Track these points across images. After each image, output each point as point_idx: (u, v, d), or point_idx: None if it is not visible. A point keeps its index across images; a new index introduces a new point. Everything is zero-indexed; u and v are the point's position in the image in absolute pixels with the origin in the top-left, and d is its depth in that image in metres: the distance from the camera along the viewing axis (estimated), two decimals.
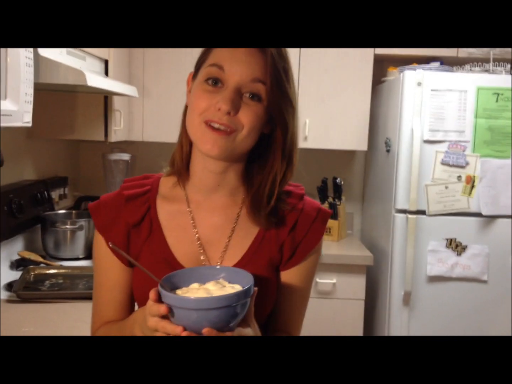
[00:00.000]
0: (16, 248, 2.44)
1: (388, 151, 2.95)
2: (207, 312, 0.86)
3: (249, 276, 0.94)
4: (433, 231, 2.77)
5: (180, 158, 1.10)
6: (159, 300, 0.89)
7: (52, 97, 2.63)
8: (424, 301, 2.80)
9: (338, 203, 3.20)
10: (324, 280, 2.94)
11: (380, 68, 3.29)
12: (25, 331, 1.65)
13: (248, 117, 1.00)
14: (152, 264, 1.06)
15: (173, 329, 0.87)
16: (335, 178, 3.20)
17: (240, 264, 1.07)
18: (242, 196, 1.10)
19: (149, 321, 0.90)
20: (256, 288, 0.93)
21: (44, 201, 2.65)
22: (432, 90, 2.68)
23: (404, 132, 2.74)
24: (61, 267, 2.30)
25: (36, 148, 2.78)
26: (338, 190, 3.21)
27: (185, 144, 1.09)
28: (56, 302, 1.91)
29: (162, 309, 0.87)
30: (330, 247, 3.07)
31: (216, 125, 0.99)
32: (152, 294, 0.89)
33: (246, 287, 0.89)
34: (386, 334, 2.86)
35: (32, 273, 2.18)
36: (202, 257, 1.07)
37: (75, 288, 2.06)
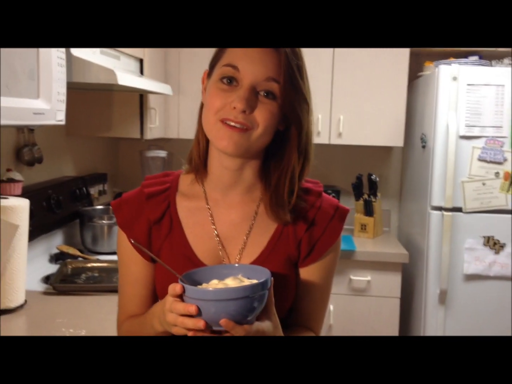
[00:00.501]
0: (55, 242, 2.52)
1: (423, 147, 2.91)
2: (225, 304, 0.87)
3: (267, 271, 0.96)
4: (470, 228, 2.71)
5: (198, 155, 1.12)
6: (181, 297, 0.91)
7: (89, 95, 2.70)
8: (461, 300, 2.75)
9: (373, 200, 3.17)
10: (358, 278, 2.92)
11: (417, 63, 3.24)
12: (59, 322, 1.71)
13: (263, 115, 1.01)
14: (173, 260, 1.09)
15: (195, 323, 0.89)
16: (370, 175, 3.18)
17: (258, 260, 1.08)
18: (259, 193, 1.12)
19: (168, 316, 0.92)
20: (272, 279, 0.94)
21: (83, 197, 2.73)
22: (468, 84, 2.63)
23: (440, 128, 2.70)
24: (98, 260, 2.37)
25: (75, 145, 2.86)
26: (373, 187, 3.18)
27: (202, 141, 1.11)
28: (90, 295, 1.98)
29: (190, 309, 0.88)
30: (365, 244, 3.05)
31: (232, 123, 1.00)
32: (171, 288, 0.92)
33: (263, 280, 0.91)
34: (422, 333, 2.83)
35: (70, 267, 2.26)
36: (221, 253, 1.09)
37: (109, 281, 2.12)
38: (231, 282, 0.94)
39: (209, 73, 1.08)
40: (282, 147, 1.08)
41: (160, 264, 1.09)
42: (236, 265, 1.04)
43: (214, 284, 0.96)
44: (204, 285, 0.96)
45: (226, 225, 1.11)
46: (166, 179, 1.16)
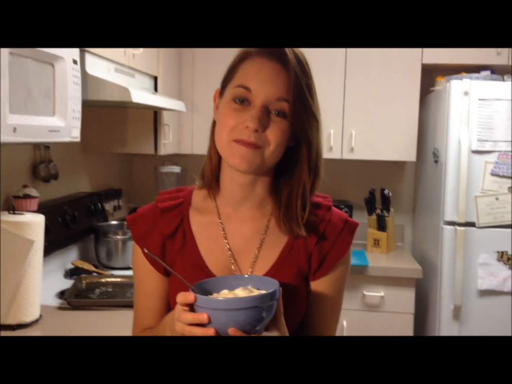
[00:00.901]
0: (70, 257, 2.56)
1: (436, 161, 2.91)
2: (235, 313, 0.89)
3: (275, 282, 0.97)
4: (483, 243, 2.70)
5: (210, 171, 1.14)
6: (189, 306, 0.93)
7: (104, 112, 2.75)
8: (475, 316, 2.73)
9: (386, 214, 3.17)
10: (371, 293, 2.91)
11: (429, 78, 3.25)
12: None
13: (274, 134, 1.04)
14: (186, 273, 1.10)
15: (205, 332, 0.90)
16: (383, 190, 3.18)
17: (270, 273, 1.10)
18: (270, 207, 1.14)
19: (177, 326, 0.94)
20: (281, 289, 0.96)
21: (98, 212, 2.77)
22: (479, 99, 2.64)
23: (452, 143, 2.70)
24: (112, 276, 2.39)
25: (91, 161, 2.91)
26: (386, 202, 3.19)
27: (214, 157, 1.13)
28: (104, 310, 2.00)
29: (201, 317, 0.90)
30: (378, 259, 3.05)
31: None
32: (181, 297, 0.93)
33: (272, 290, 0.93)
34: None
35: (84, 282, 2.28)
36: (233, 267, 1.11)
37: (123, 296, 2.14)
38: (240, 293, 0.96)
39: (221, 92, 1.11)
40: (292, 163, 1.11)
41: (173, 278, 1.12)
42: (246, 276, 1.06)
43: (224, 294, 0.97)
44: (215, 295, 0.98)
45: (238, 239, 1.13)
46: (179, 194, 1.18)
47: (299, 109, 1.04)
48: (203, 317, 0.90)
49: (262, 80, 1.03)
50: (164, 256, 1.13)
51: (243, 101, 1.04)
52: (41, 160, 2.31)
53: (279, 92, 1.03)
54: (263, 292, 0.95)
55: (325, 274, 1.12)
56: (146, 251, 1.06)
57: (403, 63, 3.08)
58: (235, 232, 1.13)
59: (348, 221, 1.15)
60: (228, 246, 1.12)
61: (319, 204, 1.14)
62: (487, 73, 2.93)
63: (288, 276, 1.10)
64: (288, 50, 1.03)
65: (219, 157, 1.12)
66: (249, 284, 1.01)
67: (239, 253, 1.12)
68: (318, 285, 1.13)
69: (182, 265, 1.12)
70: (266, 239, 1.12)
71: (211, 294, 0.99)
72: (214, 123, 1.13)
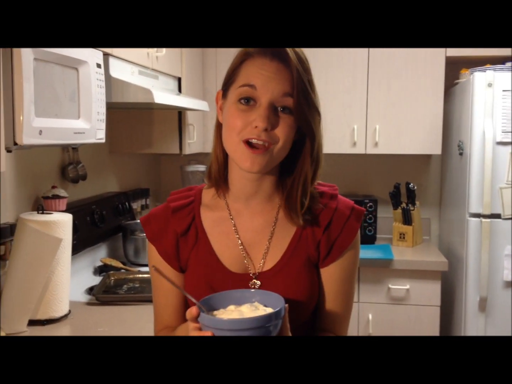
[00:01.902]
0: (99, 255, 2.63)
1: (461, 154, 2.90)
2: (240, 333, 0.92)
3: (281, 299, 1.00)
4: (509, 235, 2.68)
5: (217, 171, 1.17)
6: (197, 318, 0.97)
7: (130, 114, 2.82)
8: (501, 307, 2.71)
9: (411, 208, 3.17)
10: (396, 286, 2.92)
11: (454, 70, 3.23)
12: (101, 331, 1.80)
13: (283, 130, 1.07)
14: (200, 268, 1.16)
15: None
16: (408, 183, 3.18)
17: (281, 263, 1.14)
18: (278, 200, 1.17)
19: None
20: (287, 306, 0.98)
21: (125, 211, 2.84)
22: (503, 90, 2.62)
23: (476, 134, 2.69)
24: (139, 272, 2.46)
25: (118, 162, 2.98)
26: (411, 196, 3.18)
27: (220, 157, 1.16)
28: (131, 305, 2.06)
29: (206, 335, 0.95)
30: (404, 253, 3.05)
31: (254, 141, 1.06)
32: (188, 313, 0.97)
33: (277, 310, 0.95)
34: None
35: (112, 278, 2.36)
36: (245, 260, 1.15)
37: (149, 292, 2.18)
38: (246, 310, 0.99)
39: (224, 94, 1.13)
40: (295, 155, 1.14)
41: (189, 274, 1.17)
42: (252, 290, 1.08)
43: (230, 310, 1.01)
44: (222, 311, 1.01)
45: (249, 232, 1.16)
46: (189, 193, 1.22)
47: (303, 105, 1.07)
48: (207, 335, 0.94)
49: (266, 78, 1.06)
50: (178, 254, 1.17)
51: (248, 101, 1.07)
52: (70, 161, 2.39)
53: (284, 88, 1.06)
54: (269, 311, 0.97)
55: (334, 260, 1.15)
56: (154, 267, 1.10)
57: (426, 56, 3.07)
58: (246, 226, 1.17)
59: (354, 208, 1.17)
60: (239, 240, 1.16)
61: (325, 193, 1.17)
62: (511, 64, 2.89)
63: (298, 265, 1.14)
64: (288, 49, 1.05)
65: (225, 157, 1.15)
66: (255, 299, 1.04)
67: (251, 246, 1.16)
68: (328, 271, 1.16)
69: (197, 261, 1.16)
70: (275, 230, 1.16)
71: (217, 309, 1.02)
72: (218, 125, 1.16)
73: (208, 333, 0.94)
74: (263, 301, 1.03)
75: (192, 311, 0.97)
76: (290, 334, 1.01)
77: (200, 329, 0.97)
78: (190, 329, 0.98)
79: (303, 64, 1.07)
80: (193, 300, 1.00)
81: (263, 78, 1.06)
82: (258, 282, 1.13)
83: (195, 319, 0.97)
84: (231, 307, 1.02)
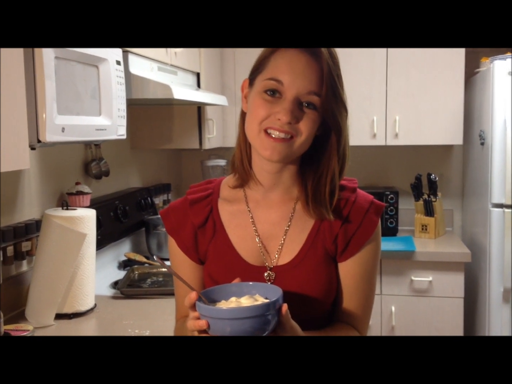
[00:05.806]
0: (123, 249, 2.68)
1: (482, 144, 2.87)
2: (240, 322, 0.94)
3: (278, 290, 1.01)
4: None
5: (240, 160, 1.18)
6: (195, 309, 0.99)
7: (151, 110, 2.85)
8: None
9: (433, 199, 3.15)
10: (419, 278, 2.90)
11: (475, 59, 3.20)
12: (126, 324, 1.84)
13: (306, 125, 1.08)
14: (219, 260, 1.17)
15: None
16: (429, 174, 3.15)
17: (299, 257, 1.14)
18: (296, 192, 1.18)
19: (188, 332, 1.01)
20: (285, 304, 0.98)
21: (148, 206, 2.88)
22: None
23: (497, 124, 2.67)
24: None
25: (140, 158, 3.02)
26: (433, 187, 3.16)
27: (243, 146, 1.18)
28: (154, 298, 2.10)
29: (201, 323, 0.96)
30: (427, 245, 3.04)
31: (276, 133, 1.07)
32: (186, 299, 0.99)
33: (273, 300, 0.96)
34: (486, 332, 2.78)
35: (136, 272, 2.39)
36: (261, 252, 1.16)
37: (172, 285, 2.22)
38: (245, 301, 1.00)
39: (250, 83, 1.14)
40: (319, 150, 1.14)
41: (207, 266, 1.18)
42: (251, 283, 1.08)
43: (231, 302, 1.02)
44: (223, 302, 1.03)
45: (267, 224, 1.17)
46: (208, 186, 1.24)
47: (331, 100, 1.07)
48: (202, 323, 0.96)
49: (294, 74, 1.06)
50: (197, 246, 1.19)
51: (274, 93, 1.07)
52: (93, 158, 2.43)
53: (310, 85, 1.06)
54: (266, 301, 0.99)
55: (353, 255, 1.15)
56: (167, 268, 1.12)
57: None
58: (263, 218, 1.18)
59: (373, 202, 1.17)
60: (256, 232, 1.17)
61: (344, 186, 1.17)
62: None
63: (316, 258, 1.14)
64: None
65: (248, 146, 1.16)
66: (255, 291, 1.05)
67: (268, 238, 1.17)
68: (346, 267, 1.16)
69: (215, 253, 1.18)
70: (292, 223, 1.17)
71: (219, 301, 1.04)
72: (242, 113, 1.17)
73: (203, 322, 0.95)
74: (263, 292, 1.04)
75: (191, 296, 0.98)
76: (291, 322, 1.00)
77: (198, 318, 0.98)
78: (189, 318, 0.99)
79: (334, 59, 1.08)
80: (192, 288, 1.02)
81: (291, 74, 1.06)
82: (273, 274, 1.14)
83: (193, 306, 0.98)
84: (233, 298, 1.03)
